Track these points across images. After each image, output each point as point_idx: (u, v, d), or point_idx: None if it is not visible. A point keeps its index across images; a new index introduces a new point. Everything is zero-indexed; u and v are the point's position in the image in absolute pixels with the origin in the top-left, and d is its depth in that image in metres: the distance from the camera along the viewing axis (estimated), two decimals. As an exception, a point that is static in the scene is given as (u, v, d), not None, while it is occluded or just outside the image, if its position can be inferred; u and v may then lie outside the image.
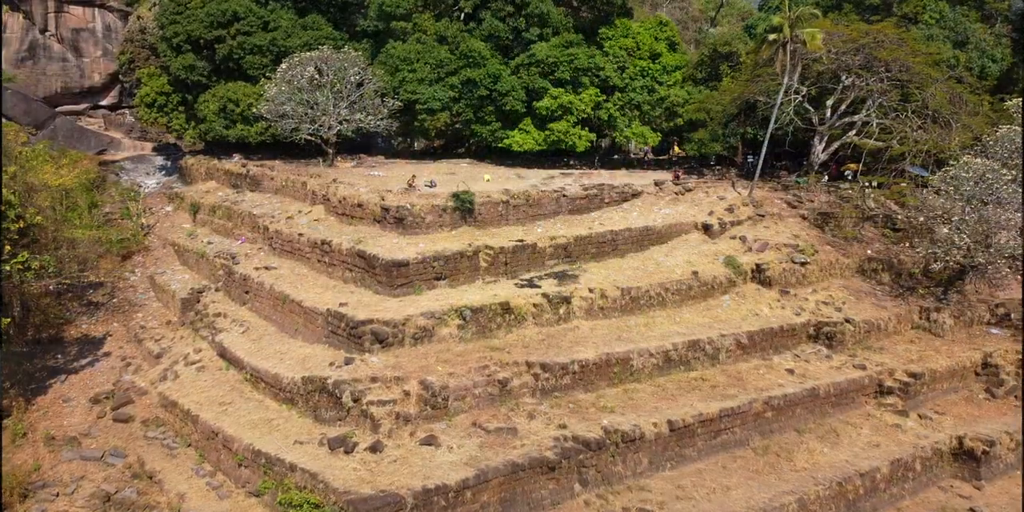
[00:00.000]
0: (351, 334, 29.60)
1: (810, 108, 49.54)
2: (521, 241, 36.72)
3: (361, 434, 25.96)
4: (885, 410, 34.98)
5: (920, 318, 41.14)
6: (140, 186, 60.45)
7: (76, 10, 65.28)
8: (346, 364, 28.47)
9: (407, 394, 26.43)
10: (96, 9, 66.11)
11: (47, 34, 64.22)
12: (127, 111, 69.05)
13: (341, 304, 31.32)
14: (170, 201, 56.24)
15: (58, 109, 65.54)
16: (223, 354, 33.87)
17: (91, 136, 66.42)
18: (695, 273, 38.08)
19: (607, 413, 28.35)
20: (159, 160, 66.42)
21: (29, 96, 60.64)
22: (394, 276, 32.47)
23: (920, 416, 35.01)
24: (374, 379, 27.10)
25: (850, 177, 51.91)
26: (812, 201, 47.42)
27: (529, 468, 24.91)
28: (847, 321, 38.10)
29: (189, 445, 31.40)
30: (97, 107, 71.14)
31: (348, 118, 49.14)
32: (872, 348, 38.24)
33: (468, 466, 24.34)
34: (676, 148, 66.91)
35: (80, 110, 70.28)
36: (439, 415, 26.54)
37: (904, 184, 47.11)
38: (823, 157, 51.09)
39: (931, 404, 36.42)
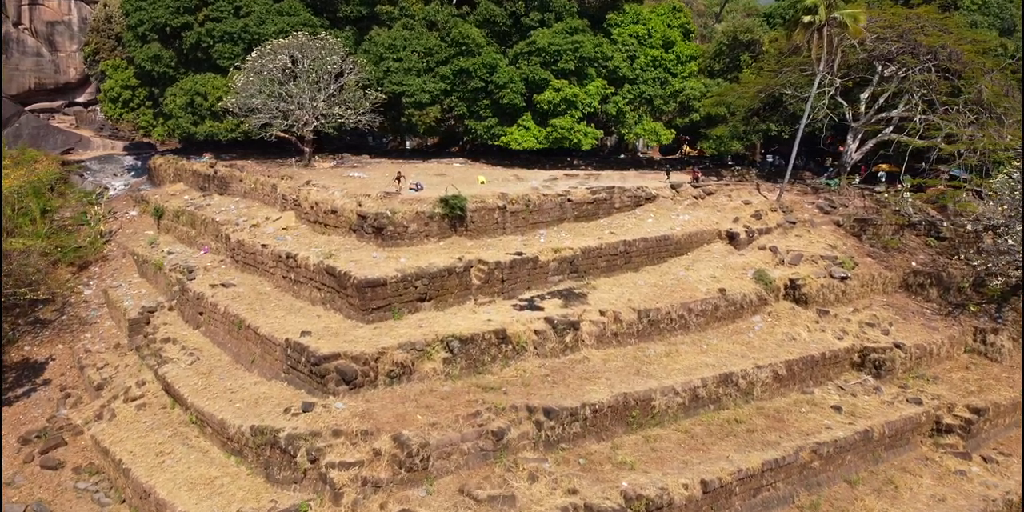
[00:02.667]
0: (313, 372, 24.35)
1: (843, 102, 44.38)
2: (520, 254, 31.58)
3: (319, 505, 20.69)
4: (945, 452, 30.30)
5: (974, 340, 36.36)
6: (106, 188, 55.70)
7: (51, 2, 62.10)
8: (304, 411, 23.19)
9: (377, 454, 21.14)
10: (72, 0, 61.57)
11: (20, 27, 60.32)
12: (98, 108, 64.54)
13: (303, 333, 26.06)
14: (136, 205, 51.27)
15: (32, 106, 61.44)
16: (168, 389, 28.66)
17: (58, 134, 62.23)
18: (722, 290, 32.97)
19: (626, 471, 23.11)
20: (129, 160, 61.78)
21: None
22: (368, 298, 27.25)
23: (984, 459, 30.49)
24: (337, 433, 21.82)
25: (883, 179, 46.82)
26: (846, 206, 42.49)
27: (530, 551, 19.74)
28: (897, 346, 33.04)
29: (123, 501, 26.34)
30: (72, 104, 67.40)
31: (326, 113, 43.93)
32: (924, 377, 33.37)
33: (452, 552, 19.14)
34: (687, 147, 62.05)
35: (56, 107, 66.36)
36: (417, 479, 21.25)
37: (943, 187, 42.06)
38: (856, 157, 45.95)
39: (994, 443, 32.00)
